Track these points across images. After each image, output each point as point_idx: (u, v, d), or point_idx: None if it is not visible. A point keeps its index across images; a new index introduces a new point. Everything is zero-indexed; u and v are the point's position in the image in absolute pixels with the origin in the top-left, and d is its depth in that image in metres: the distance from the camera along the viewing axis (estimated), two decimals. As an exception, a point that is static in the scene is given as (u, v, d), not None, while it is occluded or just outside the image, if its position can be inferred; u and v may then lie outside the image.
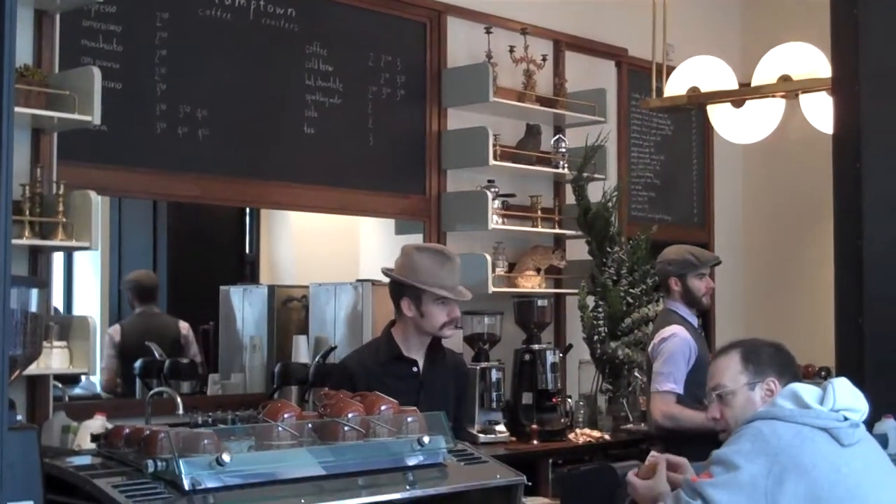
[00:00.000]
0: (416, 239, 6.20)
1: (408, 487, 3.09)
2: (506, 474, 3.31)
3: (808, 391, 2.91)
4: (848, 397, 2.89)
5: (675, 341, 5.06)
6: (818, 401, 2.87)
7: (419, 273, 4.10)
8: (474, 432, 5.47)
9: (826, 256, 5.05)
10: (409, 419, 3.21)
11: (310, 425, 3.08)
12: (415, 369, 4.19)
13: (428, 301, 4.10)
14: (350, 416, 3.10)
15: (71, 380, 5.19)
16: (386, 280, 4.35)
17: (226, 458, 2.71)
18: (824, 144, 5.10)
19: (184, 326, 6.26)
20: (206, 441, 2.80)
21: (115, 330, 6.06)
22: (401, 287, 4.16)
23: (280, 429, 2.99)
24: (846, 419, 2.85)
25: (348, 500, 2.93)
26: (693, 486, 2.82)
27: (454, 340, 5.80)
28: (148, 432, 2.86)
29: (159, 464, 2.72)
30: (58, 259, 4.94)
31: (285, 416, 3.04)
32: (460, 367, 4.46)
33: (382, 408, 3.22)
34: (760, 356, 3.20)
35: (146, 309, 6.29)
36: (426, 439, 3.14)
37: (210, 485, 2.71)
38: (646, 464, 3.14)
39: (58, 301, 6.24)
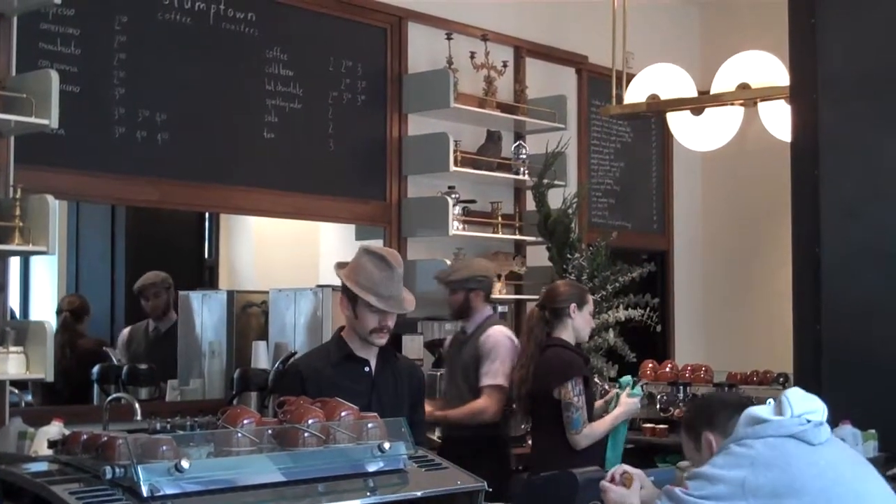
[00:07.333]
0: (377, 245, 6.19)
1: (368, 494, 3.08)
2: (466, 480, 3.30)
3: (762, 409, 2.96)
4: (804, 402, 2.93)
5: None
6: (774, 414, 2.91)
7: (359, 276, 4.07)
8: (435, 438, 5.46)
9: (784, 263, 5.10)
10: (370, 425, 3.19)
11: (269, 431, 3.06)
12: (367, 369, 4.15)
13: (361, 305, 4.06)
14: (310, 422, 3.09)
15: (27, 385, 5.13)
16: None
17: (184, 464, 2.69)
18: (782, 152, 5.16)
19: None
20: (164, 447, 2.77)
21: None
22: (343, 286, 4.14)
23: (239, 435, 2.97)
24: (809, 421, 2.89)
25: (308, 507, 2.92)
26: (672, 494, 2.84)
27: (414, 345, 5.81)
28: (105, 438, 2.83)
29: (117, 470, 2.69)
30: (14, 263, 4.89)
31: (245, 422, 3.02)
32: (414, 372, 4.40)
33: (343, 414, 3.20)
34: (693, 416, 3.22)
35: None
36: (387, 445, 3.12)
37: (169, 491, 2.68)
38: (620, 473, 3.15)
39: (14, 306, 6.18)
